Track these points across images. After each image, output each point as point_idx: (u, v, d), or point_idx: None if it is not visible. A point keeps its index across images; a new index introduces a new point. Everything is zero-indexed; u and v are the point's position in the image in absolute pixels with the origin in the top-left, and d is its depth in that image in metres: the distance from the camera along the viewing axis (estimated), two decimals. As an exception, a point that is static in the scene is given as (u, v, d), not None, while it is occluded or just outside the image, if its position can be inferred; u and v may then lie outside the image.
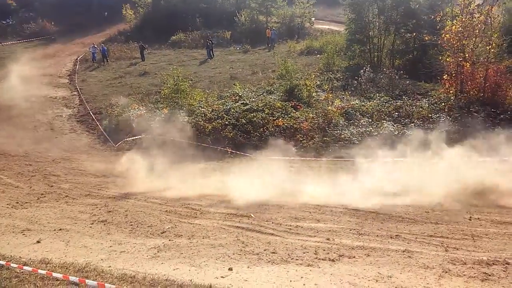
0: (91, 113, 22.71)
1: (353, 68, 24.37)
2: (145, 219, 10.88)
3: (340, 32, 31.91)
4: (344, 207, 10.71)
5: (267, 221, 10.17)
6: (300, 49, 30.81)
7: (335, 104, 19.51)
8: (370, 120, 17.81)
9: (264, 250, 8.52)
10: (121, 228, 10.36)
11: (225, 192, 12.12)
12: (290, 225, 9.82)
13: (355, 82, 21.69)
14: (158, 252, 8.75)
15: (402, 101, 19.25)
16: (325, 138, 16.92)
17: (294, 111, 19.21)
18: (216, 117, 18.93)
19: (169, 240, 9.40)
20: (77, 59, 33.66)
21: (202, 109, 19.43)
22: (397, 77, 21.17)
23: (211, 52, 31.48)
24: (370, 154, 15.05)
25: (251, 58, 30.62)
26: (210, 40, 32.55)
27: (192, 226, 10.16)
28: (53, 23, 43.27)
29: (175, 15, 38.21)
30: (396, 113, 18.10)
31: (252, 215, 10.55)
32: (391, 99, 19.62)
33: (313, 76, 22.92)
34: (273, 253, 8.35)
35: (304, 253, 8.28)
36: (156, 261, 8.30)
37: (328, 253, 8.22)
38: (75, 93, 26.18)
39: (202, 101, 20.61)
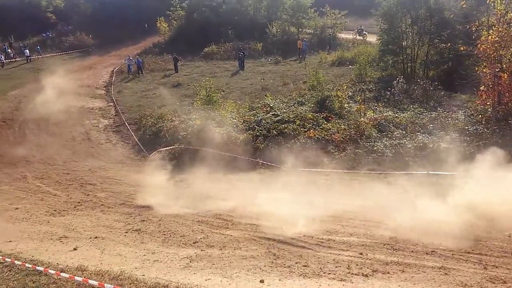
0: (126, 124, 23.27)
1: (386, 79, 24.09)
2: (177, 228, 11.03)
3: (372, 43, 31.67)
4: (377, 221, 10.52)
5: (298, 233, 10.09)
6: (331, 60, 30.70)
7: (368, 115, 19.29)
8: (404, 132, 17.50)
9: (296, 263, 8.47)
10: (154, 237, 10.54)
11: (256, 204, 12.10)
12: (322, 238, 9.73)
13: (388, 93, 21.40)
14: (190, 262, 8.84)
15: (437, 113, 18.86)
16: (358, 150, 16.71)
17: (325, 122, 19.11)
18: (247, 128, 19.07)
19: (201, 250, 9.48)
20: (113, 70, 34.60)
21: (234, 120, 19.60)
22: (431, 88, 20.78)
23: (242, 63, 31.78)
24: (403, 167, 14.85)
25: (282, 69, 30.72)
26: (242, 52, 32.88)
27: (223, 237, 10.23)
28: (90, 36, 44.81)
29: (207, 28, 38.82)
30: (431, 125, 17.72)
31: (283, 227, 10.49)
32: (425, 111, 19.26)
33: (345, 87, 22.77)
34: (305, 266, 8.29)
35: (336, 267, 8.19)
36: (189, 271, 8.39)
37: (361, 268, 8.09)
38: (111, 104, 26.88)
39: (233, 112, 20.79)
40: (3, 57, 39.95)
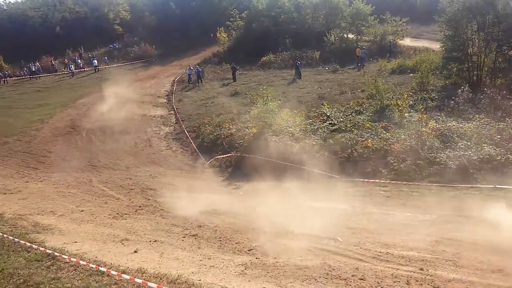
0: (185, 132, 23.97)
1: (450, 88, 23.13)
2: (233, 235, 11.13)
3: (434, 50, 30.53)
4: (439, 236, 10.05)
5: (355, 245, 9.87)
6: (391, 68, 29.89)
7: (430, 125, 18.54)
8: (468, 143, 16.62)
9: (352, 275, 8.27)
10: (211, 243, 10.70)
11: (311, 213, 12.00)
12: (380, 252, 9.43)
13: (452, 102, 20.46)
14: (245, 269, 8.88)
15: (505, 124, 17.76)
16: (418, 161, 16.08)
17: (384, 132, 18.60)
18: (303, 137, 18.99)
19: (256, 258, 9.49)
20: (174, 80, 35.80)
21: (290, 129, 19.59)
22: (499, 97, 19.64)
23: (299, 72, 31.75)
24: (468, 180, 14.15)
25: (340, 77, 30.34)
26: (299, 61, 32.88)
27: (278, 246, 10.17)
28: (154, 47, 46.73)
29: (265, 37, 39.14)
30: (498, 136, 16.72)
31: (339, 238, 10.32)
32: (492, 121, 18.19)
33: (406, 95, 22.04)
34: (362, 279, 8.07)
35: (395, 282, 7.90)
36: (244, 278, 8.43)
37: (421, 284, 7.75)
38: (172, 112, 27.81)
39: (290, 121, 20.78)
40: (73, 67, 42.76)
